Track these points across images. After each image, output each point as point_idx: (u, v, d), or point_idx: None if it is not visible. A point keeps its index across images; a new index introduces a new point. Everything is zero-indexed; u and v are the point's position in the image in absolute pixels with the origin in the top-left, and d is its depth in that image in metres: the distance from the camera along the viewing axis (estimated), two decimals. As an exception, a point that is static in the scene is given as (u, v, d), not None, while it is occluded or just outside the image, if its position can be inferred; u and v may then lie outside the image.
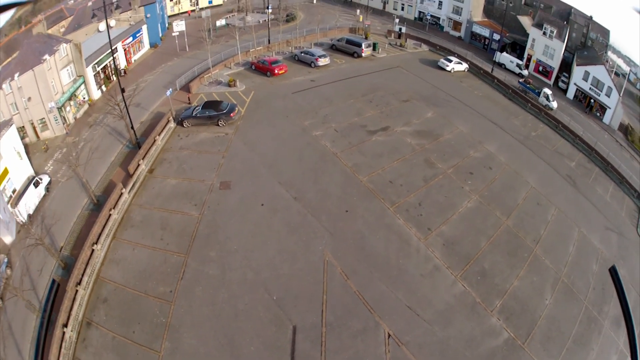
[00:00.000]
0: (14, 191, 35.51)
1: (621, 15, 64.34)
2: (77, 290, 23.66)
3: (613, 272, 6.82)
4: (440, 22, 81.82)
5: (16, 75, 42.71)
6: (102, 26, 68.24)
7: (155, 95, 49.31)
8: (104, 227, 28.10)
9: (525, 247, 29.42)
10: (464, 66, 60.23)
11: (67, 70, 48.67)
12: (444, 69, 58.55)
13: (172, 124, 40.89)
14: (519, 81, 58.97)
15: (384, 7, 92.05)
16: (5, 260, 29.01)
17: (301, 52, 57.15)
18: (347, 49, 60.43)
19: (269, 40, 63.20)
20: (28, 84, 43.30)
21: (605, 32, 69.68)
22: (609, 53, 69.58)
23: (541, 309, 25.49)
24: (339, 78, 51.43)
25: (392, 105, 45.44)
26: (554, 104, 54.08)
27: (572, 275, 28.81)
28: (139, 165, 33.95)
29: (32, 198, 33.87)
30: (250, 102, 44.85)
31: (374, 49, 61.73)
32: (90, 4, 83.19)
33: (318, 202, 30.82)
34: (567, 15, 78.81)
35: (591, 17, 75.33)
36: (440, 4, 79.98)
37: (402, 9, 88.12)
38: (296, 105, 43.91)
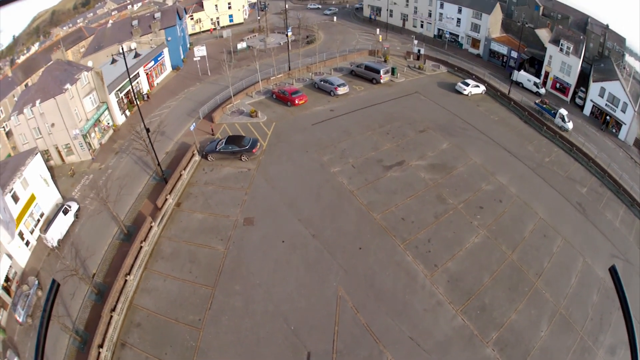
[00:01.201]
0: (41, 215, 41.17)
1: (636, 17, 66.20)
2: (111, 316, 28.59)
3: (613, 272, 6.96)
4: (459, 40, 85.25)
5: (37, 101, 47.08)
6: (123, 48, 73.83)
7: (179, 124, 54.56)
8: (135, 258, 32.94)
9: (526, 281, 33.02)
10: (481, 89, 63.81)
11: (90, 97, 52.65)
12: (462, 93, 62.28)
13: (196, 157, 45.71)
14: (535, 102, 61.98)
15: (404, 25, 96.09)
16: (36, 282, 34.40)
17: (321, 81, 61.68)
18: (366, 75, 64.72)
19: (289, 67, 67.89)
20: (51, 111, 47.57)
21: (621, 40, 72.14)
22: (627, 57, 71.75)
23: (535, 340, 29.17)
24: (358, 107, 55.82)
25: (409, 137, 49.53)
26: (570, 125, 56.98)
27: (571, 307, 32.26)
28: (166, 199, 38.83)
29: (62, 225, 38.99)
30: (272, 135, 49.62)
31: (392, 74, 65.77)
32: (109, 25, 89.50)
33: (334, 240, 35.18)
34: (584, 25, 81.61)
35: (607, 26, 77.93)
36: (458, 21, 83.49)
37: (422, 26, 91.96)
38: (315, 138, 48.44)
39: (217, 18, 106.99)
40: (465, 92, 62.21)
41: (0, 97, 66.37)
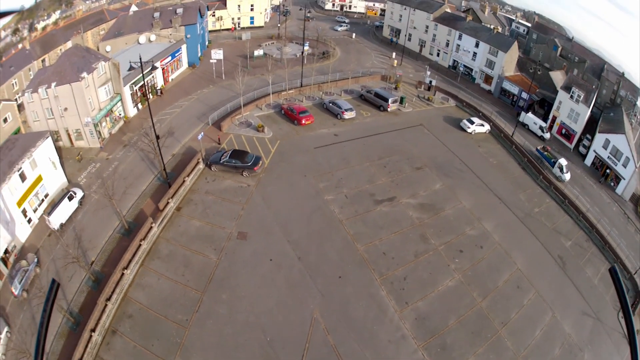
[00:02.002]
0: (46, 196, 45.46)
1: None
2: (106, 304, 32.48)
3: (613, 272, 7.07)
4: (473, 74, 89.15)
5: (53, 84, 50.60)
6: (142, 38, 77.88)
7: (188, 127, 58.74)
8: (134, 254, 36.95)
9: (490, 328, 36.44)
10: (485, 128, 67.41)
11: (105, 88, 56.21)
12: (465, 131, 65.97)
13: (200, 165, 49.62)
14: (537, 148, 65.42)
15: (420, 51, 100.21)
16: (36, 259, 38.54)
17: (330, 102, 65.60)
18: (375, 101, 68.64)
19: (301, 83, 71.76)
20: (65, 96, 51.18)
21: (635, 90, 75.62)
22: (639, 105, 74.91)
23: (488, 385, 32.90)
24: (361, 135, 59.69)
25: (405, 173, 53.21)
26: (567, 176, 60.20)
27: (530, 357, 35.54)
28: (168, 202, 42.78)
29: (66, 210, 43.22)
30: (275, 153, 53.50)
31: (400, 103, 69.55)
32: (131, 12, 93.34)
33: (317, 265, 38.91)
34: (600, 70, 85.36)
35: (623, 74, 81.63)
36: (474, 55, 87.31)
37: (438, 55, 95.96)
38: (316, 163, 52.31)
39: (238, 18, 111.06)
40: (469, 131, 65.87)
41: (16, 69, 70.33)
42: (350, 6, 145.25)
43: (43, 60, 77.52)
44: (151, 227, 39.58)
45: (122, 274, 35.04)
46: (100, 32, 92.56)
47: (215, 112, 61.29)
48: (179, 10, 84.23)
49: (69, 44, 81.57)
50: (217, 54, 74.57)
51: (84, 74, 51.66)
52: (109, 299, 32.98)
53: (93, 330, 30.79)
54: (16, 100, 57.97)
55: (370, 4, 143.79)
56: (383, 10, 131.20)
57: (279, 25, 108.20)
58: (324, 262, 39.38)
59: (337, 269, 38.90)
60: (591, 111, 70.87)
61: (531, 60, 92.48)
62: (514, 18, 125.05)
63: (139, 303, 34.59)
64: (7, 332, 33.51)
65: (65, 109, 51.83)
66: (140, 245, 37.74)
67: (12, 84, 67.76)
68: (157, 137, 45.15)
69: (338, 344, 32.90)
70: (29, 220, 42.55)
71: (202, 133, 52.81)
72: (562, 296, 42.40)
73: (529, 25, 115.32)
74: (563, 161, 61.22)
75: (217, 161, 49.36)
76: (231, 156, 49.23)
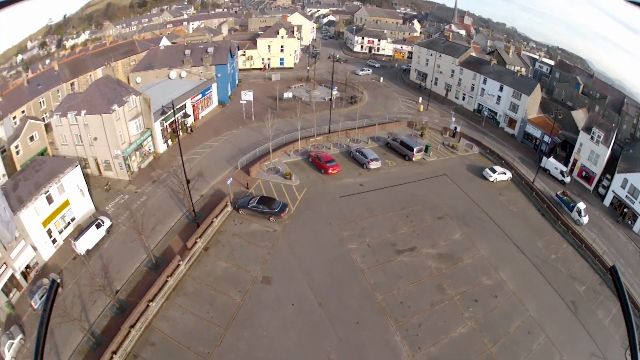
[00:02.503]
0: (72, 219, 50.93)
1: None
2: (129, 331, 37.36)
3: (613, 271, 7.14)
4: (497, 117, 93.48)
5: (83, 112, 54.80)
6: (172, 74, 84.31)
7: (216, 168, 64.58)
8: (160, 289, 41.96)
9: (499, 373, 40.57)
10: (507, 175, 71.33)
11: (136, 122, 60.82)
12: (488, 179, 70.14)
13: (229, 208, 54.82)
14: (556, 194, 68.87)
15: (446, 95, 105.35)
16: (59, 279, 43.75)
17: (356, 151, 70.77)
18: (400, 150, 73.58)
19: (329, 129, 77.26)
20: (95, 125, 55.60)
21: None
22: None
23: None
24: (386, 185, 64.61)
25: (426, 223, 57.63)
26: (585, 220, 63.24)
27: (536, 401, 39.56)
28: (196, 242, 48.05)
29: (93, 237, 48.60)
30: (301, 201, 58.79)
31: (425, 152, 74.25)
32: (162, 47, 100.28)
33: (337, 310, 43.49)
34: (620, 105, 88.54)
35: None
36: (499, 99, 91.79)
37: (463, 99, 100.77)
38: (340, 212, 57.33)
39: (268, 59, 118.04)
40: (491, 179, 69.94)
41: (44, 88, 75.66)
42: (378, 49, 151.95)
43: (72, 84, 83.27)
44: (179, 265, 44.86)
45: (148, 305, 40.14)
46: (131, 62, 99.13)
47: (244, 156, 66.87)
48: (210, 50, 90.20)
49: (99, 72, 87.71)
50: (247, 95, 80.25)
51: (115, 106, 56.19)
52: (133, 326, 37.95)
53: (115, 352, 35.48)
54: (43, 119, 63.25)
55: (398, 46, 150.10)
56: (410, 53, 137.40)
57: (308, 68, 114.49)
58: (343, 308, 43.91)
59: (356, 315, 43.38)
60: (612, 149, 73.56)
61: (554, 100, 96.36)
62: (537, 57, 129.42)
63: (163, 333, 39.60)
64: (21, 339, 38.24)
65: (95, 139, 56.58)
66: (167, 281, 42.97)
67: (40, 102, 73.27)
68: (188, 182, 50.43)
69: (350, 386, 37.31)
70: (54, 241, 48.41)
71: (232, 178, 57.60)
72: (571, 340, 45.11)
73: (552, 64, 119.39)
74: (581, 205, 64.08)
75: (245, 205, 54.26)
76: (259, 202, 54.19)
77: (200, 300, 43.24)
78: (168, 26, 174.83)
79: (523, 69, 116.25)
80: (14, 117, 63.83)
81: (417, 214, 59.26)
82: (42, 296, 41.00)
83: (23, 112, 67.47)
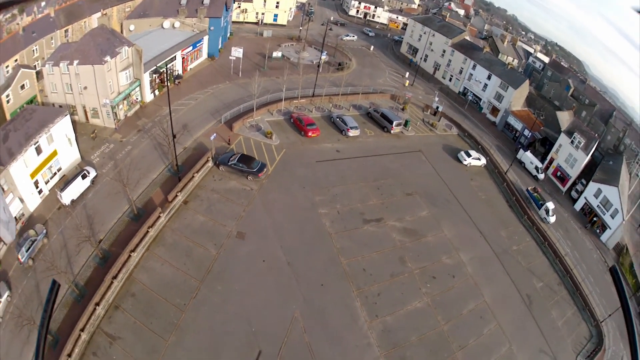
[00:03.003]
0: (59, 169, 51.12)
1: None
2: (112, 282, 38.73)
3: (614, 271, 7.27)
4: (481, 103, 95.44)
5: (75, 62, 55.22)
6: (166, 23, 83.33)
7: (200, 121, 65.07)
8: (141, 240, 43.32)
9: (448, 350, 42.86)
10: (481, 162, 73.48)
11: (126, 73, 61.43)
12: (462, 162, 72.19)
13: (209, 164, 55.72)
14: (527, 189, 71.35)
15: (434, 73, 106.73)
16: (44, 230, 44.45)
17: (337, 117, 71.83)
18: (380, 121, 74.92)
19: (313, 93, 77.88)
20: (86, 75, 56.01)
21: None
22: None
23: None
24: (362, 154, 66.08)
25: (395, 197, 59.61)
26: (552, 219, 65.73)
27: (480, 382, 42.40)
28: (176, 195, 49.19)
29: (78, 187, 49.14)
30: (279, 162, 59.81)
31: (405, 126, 75.67)
32: None
33: (304, 272, 45.48)
34: (609, 116, 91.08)
35: (631, 123, 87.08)
36: (485, 86, 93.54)
37: (450, 80, 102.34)
38: (315, 177, 58.71)
39: (262, 14, 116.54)
40: (465, 163, 72.02)
41: (38, 36, 74.31)
42: (373, 15, 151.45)
43: (66, 31, 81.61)
44: (159, 217, 46.03)
45: (129, 255, 41.41)
46: (126, 9, 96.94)
47: (228, 111, 67.21)
48: (206, 1, 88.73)
49: (94, 18, 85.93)
50: (237, 52, 79.63)
51: (107, 58, 56.33)
52: (115, 277, 39.28)
53: (97, 303, 36.90)
54: (35, 67, 62.76)
55: (394, 16, 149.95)
56: (405, 24, 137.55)
57: (300, 28, 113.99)
58: (310, 270, 45.90)
59: (321, 277, 45.51)
60: (592, 155, 75.95)
61: (542, 97, 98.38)
62: (532, 52, 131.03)
63: (142, 284, 41.09)
64: (7, 296, 38.05)
65: (85, 88, 56.86)
66: (147, 231, 44.16)
67: (33, 50, 72.20)
68: (174, 136, 50.91)
69: (312, 342, 39.60)
70: (40, 192, 48.41)
71: (215, 134, 58.27)
72: (522, 332, 47.96)
73: (546, 61, 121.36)
74: (550, 205, 66.44)
75: (226, 162, 55.40)
76: (239, 160, 55.28)
77: (179, 251, 44.68)
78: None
79: (515, 61, 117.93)
80: (7, 66, 62.68)
81: (388, 187, 61.06)
82: (29, 249, 41.11)
83: (16, 60, 66.08)
